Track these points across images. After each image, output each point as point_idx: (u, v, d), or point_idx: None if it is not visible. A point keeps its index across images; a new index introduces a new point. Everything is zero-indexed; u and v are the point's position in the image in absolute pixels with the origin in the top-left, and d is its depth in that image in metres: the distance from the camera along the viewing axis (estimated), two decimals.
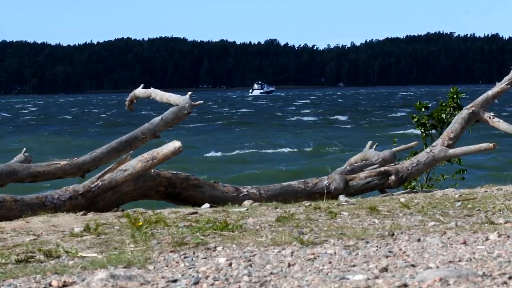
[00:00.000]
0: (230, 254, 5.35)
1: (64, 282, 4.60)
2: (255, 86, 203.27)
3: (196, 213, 8.01)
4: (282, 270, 4.75)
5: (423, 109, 14.15)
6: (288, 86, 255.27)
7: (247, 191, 9.95)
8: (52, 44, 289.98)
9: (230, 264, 4.97)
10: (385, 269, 4.60)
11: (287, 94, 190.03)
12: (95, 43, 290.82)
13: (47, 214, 8.19)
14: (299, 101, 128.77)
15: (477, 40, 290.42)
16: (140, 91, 11.73)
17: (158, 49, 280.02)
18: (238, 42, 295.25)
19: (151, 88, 11.66)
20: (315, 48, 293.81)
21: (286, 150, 39.46)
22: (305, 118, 72.09)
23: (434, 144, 11.32)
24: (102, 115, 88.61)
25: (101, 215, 8.14)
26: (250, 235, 6.13)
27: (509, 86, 11.77)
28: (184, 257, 5.29)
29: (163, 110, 10.95)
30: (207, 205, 8.95)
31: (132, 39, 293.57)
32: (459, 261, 4.84)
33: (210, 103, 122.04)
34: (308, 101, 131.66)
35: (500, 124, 11.40)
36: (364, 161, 11.28)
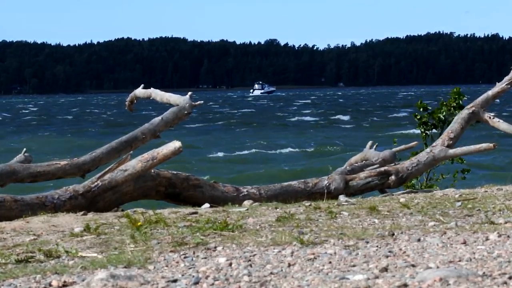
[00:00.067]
0: (230, 254, 5.35)
1: (64, 282, 4.60)
2: (256, 86, 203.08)
3: (196, 213, 8.01)
4: (282, 270, 4.75)
5: (422, 109, 14.16)
6: (288, 86, 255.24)
7: (247, 191, 9.96)
8: (52, 44, 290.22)
9: (230, 264, 4.97)
10: (385, 269, 4.60)
11: (288, 94, 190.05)
12: (95, 43, 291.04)
13: (47, 214, 8.19)
14: (300, 101, 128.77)
15: (477, 40, 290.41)
16: (140, 91, 11.73)
17: (158, 49, 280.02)
18: (238, 42, 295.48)
19: (151, 88, 11.66)
20: (315, 48, 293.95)
21: (288, 150, 39.47)
22: (306, 118, 72.10)
23: (434, 144, 11.32)
24: (103, 115, 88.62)
25: (101, 215, 8.14)
26: (250, 235, 6.13)
27: (509, 86, 11.77)
28: (184, 257, 5.29)
29: (164, 110, 10.95)
30: (207, 205, 8.95)
31: (132, 39, 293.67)
32: (459, 261, 4.84)
33: (211, 103, 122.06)
34: (309, 101, 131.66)
35: (500, 124, 11.40)
36: (364, 161, 11.29)
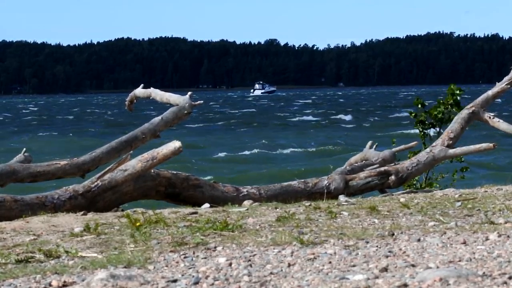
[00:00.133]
0: (230, 254, 5.35)
1: (64, 282, 4.60)
2: (257, 86, 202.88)
3: (196, 213, 8.01)
4: (282, 270, 4.75)
5: (419, 106, 14.15)
6: (288, 86, 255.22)
7: (247, 191, 9.95)
8: (52, 44, 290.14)
9: (230, 264, 4.97)
10: (385, 269, 4.60)
11: (288, 94, 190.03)
12: (95, 43, 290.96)
13: (47, 214, 8.19)
14: (300, 101, 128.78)
15: (477, 40, 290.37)
16: (140, 91, 11.73)
17: (158, 49, 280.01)
18: (238, 42, 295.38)
19: (151, 88, 11.66)
20: (315, 48, 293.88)
21: (289, 150, 39.47)
22: (307, 118, 72.13)
23: (434, 144, 11.33)
24: (104, 116, 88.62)
25: (101, 215, 8.14)
26: (250, 235, 6.13)
27: (509, 86, 11.76)
28: (184, 257, 5.29)
29: (165, 110, 10.95)
30: (207, 205, 8.95)
31: (132, 39, 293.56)
32: (459, 261, 4.84)
33: (212, 103, 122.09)
34: (310, 101, 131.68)
35: (500, 124, 11.40)
36: (364, 161, 11.29)
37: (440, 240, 5.62)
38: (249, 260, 5.10)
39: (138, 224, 6.52)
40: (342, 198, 9.47)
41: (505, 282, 4.11)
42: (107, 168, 9.33)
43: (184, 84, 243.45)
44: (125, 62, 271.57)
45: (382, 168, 10.75)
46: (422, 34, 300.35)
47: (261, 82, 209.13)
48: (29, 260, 5.35)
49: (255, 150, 38.88)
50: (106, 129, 59.05)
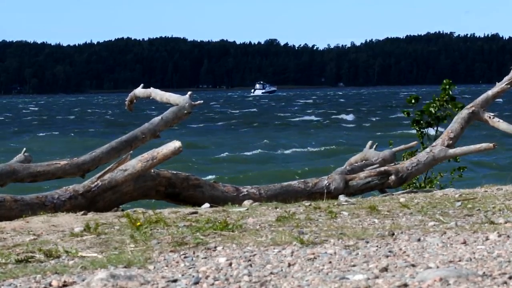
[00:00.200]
0: (230, 254, 5.35)
1: (64, 282, 4.60)
2: (257, 86, 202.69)
3: (196, 213, 8.01)
4: (282, 270, 4.75)
5: (413, 101, 14.14)
6: (288, 86, 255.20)
7: (247, 191, 9.95)
8: (52, 44, 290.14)
9: (230, 264, 4.97)
10: (385, 269, 4.60)
11: (288, 94, 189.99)
12: (95, 43, 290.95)
13: (47, 214, 8.19)
14: (301, 101, 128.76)
15: (477, 40, 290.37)
16: (140, 91, 11.73)
17: (158, 49, 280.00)
18: (238, 42, 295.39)
19: (151, 88, 11.66)
20: (315, 48, 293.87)
21: (291, 150, 39.46)
22: (309, 118, 72.13)
23: (434, 144, 11.33)
24: (105, 115, 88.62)
25: (101, 215, 8.14)
26: (250, 235, 6.13)
27: (509, 86, 11.76)
28: (184, 257, 5.29)
29: (166, 110, 10.94)
30: (207, 205, 8.95)
31: (132, 39, 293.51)
32: (459, 261, 4.84)
33: (213, 103, 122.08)
34: (311, 101, 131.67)
35: (500, 124, 11.40)
36: (364, 161, 11.29)
37: (440, 240, 5.62)
38: (249, 260, 5.10)
39: (138, 224, 6.52)
40: (342, 198, 9.47)
41: (505, 282, 4.11)
42: (107, 168, 9.33)
43: (184, 84, 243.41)
44: (125, 62, 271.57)
45: (382, 168, 10.76)
46: (422, 34, 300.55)
47: (261, 82, 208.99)
48: (29, 260, 5.35)
49: (257, 150, 38.88)
50: (107, 129, 59.06)
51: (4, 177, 9.37)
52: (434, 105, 13.70)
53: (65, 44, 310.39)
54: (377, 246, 5.48)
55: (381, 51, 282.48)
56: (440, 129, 13.69)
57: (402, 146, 12.07)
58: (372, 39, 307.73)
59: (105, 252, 5.59)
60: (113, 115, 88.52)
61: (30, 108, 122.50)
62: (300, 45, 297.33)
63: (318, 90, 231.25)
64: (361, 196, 10.31)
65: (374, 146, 11.71)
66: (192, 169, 27.62)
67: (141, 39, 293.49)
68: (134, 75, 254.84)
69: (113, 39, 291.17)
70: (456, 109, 13.49)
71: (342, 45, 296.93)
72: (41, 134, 55.75)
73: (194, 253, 5.44)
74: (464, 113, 11.56)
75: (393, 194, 9.98)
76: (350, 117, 72.44)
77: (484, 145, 10.93)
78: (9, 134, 56.61)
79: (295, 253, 5.28)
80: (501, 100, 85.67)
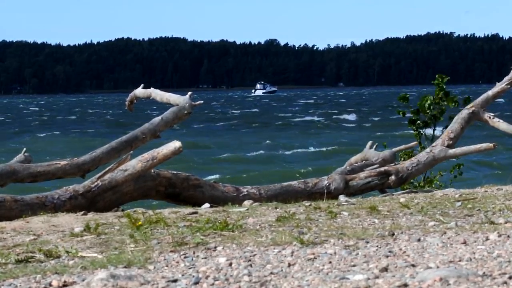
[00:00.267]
0: (230, 254, 5.35)
1: (64, 282, 4.60)
2: (258, 86, 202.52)
3: (196, 213, 8.01)
4: (282, 270, 4.75)
5: (402, 100, 14.15)
6: (288, 86, 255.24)
7: (247, 191, 9.95)
8: (52, 44, 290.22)
9: (230, 264, 4.97)
10: (385, 269, 4.60)
11: (289, 94, 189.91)
12: (95, 43, 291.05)
13: (47, 214, 8.19)
14: (302, 101, 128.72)
15: (477, 40, 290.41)
16: (140, 91, 11.73)
17: (158, 49, 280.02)
18: (238, 42, 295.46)
19: (151, 88, 11.66)
20: (315, 48, 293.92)
21: (293, 150, 39.45)
22: (311, 118, 72.10)
23: (434, 144, 11.34)
24: (106, 115, 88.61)
25: (101, 215, 8.14)
26: (250, 235, 6.12)
27: (509, 86, 11.76)
28: (184, 257, 5.29)
29: (167, 110, 10.94)
30: (207, 205, 8.95)
31: (132, 39, 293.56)
32: (459, 261, 4.84)
33: (214, 103, 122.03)
34: (312, 101, 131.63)
35: (500, 124, 11.40)
36: (364, 161, 11.29)
37: (440, 240, 5.62)
38: (249, 260, 5.10)
39: (138, 224, 6.52)
40: (342, 198, 9.47)
41: (505, 282, 4.11)
42: (107, 168, 9.33)
43: (184, 84, 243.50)
44: (125, 62, 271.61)
45: (382, 168, 10.76)
46: (422, 34, 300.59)
47: (262, 82, 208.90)
48: (29, 260, 5.35)
49: (259, 151, 38.87)
50: (107, 129, 59.06)
51: (4, 177, 9.37)
52: (427, 99, 13.69)
53: (65, 44, 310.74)
54: (377, 246, 5.48)
55: (381, 51, 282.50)
56: (437, 128, 13.69)
57: (402, 146, 12.07)
58: (372, 39, 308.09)
59: (105, 252, 5.59)
60: (113, 115, 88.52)
61: (31, 108, 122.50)
62: (300, 45, 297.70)
63: (318, 90, 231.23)
64: (361, 196, 10.31)
65: (374, 146, 11.72)
66: (193, 169, 27.61)
67: (141, 39, 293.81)
68: (134, 75, 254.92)
69: (113, 39, 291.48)
70: (453, 104, 13.50)
71: (342, 45, 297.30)
72: (41, 134, 55.75)
73: (194, 253, 5.44)
74: (464, 113, 11.56)
75: (393, 194, 9.98)
76: (353, 117, 72.39)
77: (484, 145, 10.93)
78: (9, 134, 56.60)
79: (295, 253, 5.28)
80: (502, 100, 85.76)
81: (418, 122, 13.79)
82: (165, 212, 8.02)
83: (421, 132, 13.79)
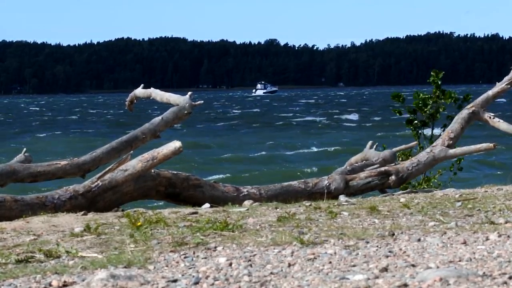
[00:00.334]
0: (230, 254, 5.35)
1: (64, 282, 4.60)
2: (258, 86, 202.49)
3: (196, 213, 8.01)
4: (282, 270, 4.75)
5: (395, 99, 14.15)
6: (288, 86, 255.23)
7: (247, 191, 9.95)
8: (52, 44, 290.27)
9: (230, 264, 4.97)
10: (385, 269, 4.60)
11: (290, 94, 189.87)
12: (95, 43, 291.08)
13: (47, 214, 8.19)
14: (303, 101, 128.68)
15: (477, 40, 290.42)
16: (140, 91, 11.73)
17: (158, 49, 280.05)
18: (238, 42, 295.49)
19: (151, 88, 11.66)
20: (315, 48, 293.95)
21: (294, 150, 39.42)
22: (312, 118, 72.08)
23: (434, 144, 11.34)
24: (107, 115, 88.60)
25: (101, 215, 8.14)
26: (250, 235, 6.12)
27: (509, 86, 11.77)
28: (184, 257, 5.29)
29: (168, 110, 10.94)
30: (207, 205, 8.95)
31: (132, 39, 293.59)
32: (459, 261, 4.84)
33: (215, 103, 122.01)
34: (312, 101, 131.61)
35: (500, 124, 11.40)
36: (364, 161, 11.29)
37: (440, 240, 5.62)
38: (249, 260, 5.10)
39: (138, 224, 6.52)
40: (342, 198, 9.47)
41: (505, 282, 4.11)
42: (108, 168, 9.33)
43: (184, 84, 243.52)
44: (125, 62, 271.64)
45: (383, 168, 10.76)
46: (422, 34, 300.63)
47: (263, 82, 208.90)
48: (29, 260, 5.35)
49: (260, 150, 38.85)
50: (108, 129, 59.04)
51: (4, 177, 9.37)
52: (421, 96, 13.68)
53: (65, 44, 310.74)
54: (377, 246, 5.48)
55: (381, 51, 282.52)
56: (435, 127, 13.69)
57: (403, 146, 12.07)
58: (372, 39, 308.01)
59: (105, 252, 5.59)
60: (114, 115, 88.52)
61: (31, 108, 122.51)
62: (300, 45, 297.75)
63: (318, 90, 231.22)
64: (361, 196, 10.31)
65: (375, 146, 11.71)
66: (193, 169, 27.61)
67: (141, 39, 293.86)
68: (134, 75, 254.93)
69: (113, 39, 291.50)
70: (450, 100, 13.48)
71: (342, 45, 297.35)
72: (42, 134, 55.74)
73: (194, 253, 5.44)
74: (464, 113, 11.57)
75: (393, 194, 9.98)
76: (355, 116, 72.34)
77: (484, 145, 10.93)
78: (10, 134, 56.59)
79: (295, 253, 5.28)
80: (504, 100, 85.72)
81: (416, 122, 13.79)
82: (165, 212, 8.02)
83: (419, 132, 13.79)
